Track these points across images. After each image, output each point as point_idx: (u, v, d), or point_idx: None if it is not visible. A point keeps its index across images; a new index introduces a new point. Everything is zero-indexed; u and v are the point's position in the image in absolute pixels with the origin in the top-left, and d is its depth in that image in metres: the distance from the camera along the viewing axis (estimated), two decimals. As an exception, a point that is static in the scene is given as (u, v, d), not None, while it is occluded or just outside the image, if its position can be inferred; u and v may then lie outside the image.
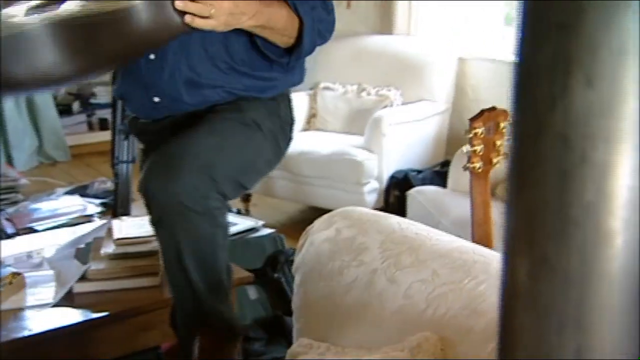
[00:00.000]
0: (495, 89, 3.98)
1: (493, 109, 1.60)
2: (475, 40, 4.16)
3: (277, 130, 1.70)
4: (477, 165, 1.61)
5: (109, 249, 2.19)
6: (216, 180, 1.48)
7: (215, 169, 1.49)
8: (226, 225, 1.58)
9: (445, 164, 4.03)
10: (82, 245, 2.38)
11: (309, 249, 1.68)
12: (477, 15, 4.31)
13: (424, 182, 3.66)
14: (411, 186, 3.57)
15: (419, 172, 3.85)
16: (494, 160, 1.62)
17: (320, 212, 3.88)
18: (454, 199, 2.99)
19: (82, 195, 3.64)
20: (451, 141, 4.21)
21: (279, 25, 1.51)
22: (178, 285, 1.61)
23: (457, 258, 1.43)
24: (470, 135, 1.59)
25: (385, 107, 3.98)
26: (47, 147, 4.59)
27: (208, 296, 1.60)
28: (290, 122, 1.77)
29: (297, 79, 1.72)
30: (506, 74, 4.04)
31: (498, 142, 1.60)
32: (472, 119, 1.59)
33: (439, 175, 3.80)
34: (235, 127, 1.54)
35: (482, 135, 1.59)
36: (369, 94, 4.12)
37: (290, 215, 4.11)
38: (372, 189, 3.71)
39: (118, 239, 2.20)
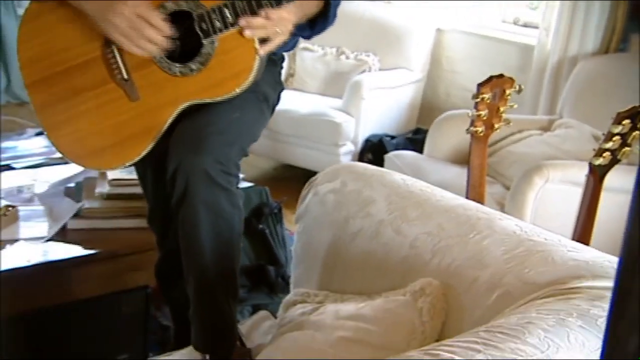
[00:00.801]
0: (470, 61, 4.09)
1: (501, 76, 1.68)
2: (453, 12, 4.22)
3: (275, 98, 1.75)
4: (480, 129, 1.69)
5: (103, 188, 2.21)
6: (236, 154, 1.53)
7: (236, 144, 1.54)
8: (242, 210, 1.60)
9: (417, 131, 4.14)
10: (72, 184, 2.39)
11: (313, 200, 1.71)
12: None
13: (396, 148, 3.75)
14: (384, 151, 3.66)
15: (392, 137, 3.94)
16: (495, 126, 1.70)
17: (292, 170, 3.99)
18: (430, 164, 3.09)
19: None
20: (423, 110, 4.31)
21: (312, 11, 1.57)
22: (193, 274, 1.57)
23: (461, 214, 1.48)
24: (477, 99, 1.67)
25: (364, 71, 4.04)
26: (16, 87, 4.47)
27: (221, 291, 1.59)
28: (282, 87, 1.82)
29: (296, 41, 1.76)
30: (481, 47, 4.12)
31: (501, 108, 1.68)
32: (480, 84, 1.67)
33: (411, 142, 3.91)
34: (251, 101, 1.57)
35: (487, 101, 1.66)
36: (347, 57, 4.16)
37: (263, 171, 4.15)
38: (348, 150, 3.78)
39: (112, 179, 2.22)
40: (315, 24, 1.60)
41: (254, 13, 1.41)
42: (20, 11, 4.45)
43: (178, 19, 1.47)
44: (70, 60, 1.55)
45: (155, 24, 1.43)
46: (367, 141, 3.85)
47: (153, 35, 1.43)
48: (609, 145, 1.50)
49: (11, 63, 4.39)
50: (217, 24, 1.43)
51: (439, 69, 4.28)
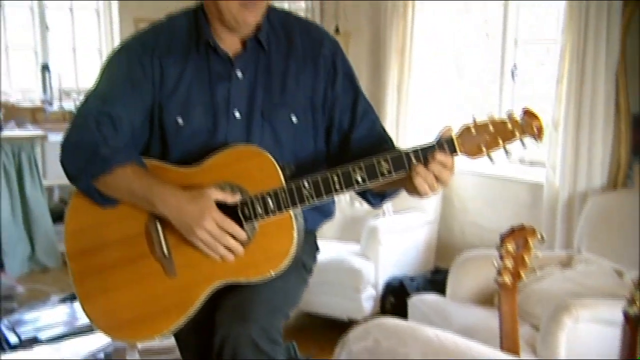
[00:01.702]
0: (481, 200, 4.19)
1: (522, 227, 1.74)
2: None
3: (313, 265, 1.82)
4: (507, 279, 1.73)
5: (133, 357, 2.22)
6: (280, 321, 1.59)
7: (280, 312, 1.60)
8: None
9: (436, 271, 4.17)
10: (102, 356, 2.40)
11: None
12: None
13: (417, 289, 3.76)
14: (406, 293, 3.67)
15: (412, 279, 3.96)
16: (522, 275, 1.74)
17: (314, 318, 3.96)
18: (455, 307, 3.09)
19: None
20: (440, 249, 4.36)
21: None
22: None
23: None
24: (502, 251, 1.72)
25: (377, 216, 4.13)
26: (39, 254, 4.58)
27: None
28: (319, 250, 1.89)
29: (334, 209, 1.85)
30: (490, 187, 4.22)
31: (527, 258, 1.73)
32: (503, 236, 1.73)
33: (431, 283, 3.92)
34: (292, 270, 1.60)
35: (512, 252, 1.72)
36: (361, 204, 4.27)
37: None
38: (369, 295, 3.79)
39: (143, 349, 2.23)
40: (388, 195, 1.69)
41: (294, 204, 1.50)
42: (46, 182, 4.65)
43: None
44: (113, 233, 1.63)
45: (234, 233, 1.51)
46: (388, 285, 3.87)
47: (233, 245, 1.52)
48: (640, 292, 1.52)
49: (35, 232, 4.53)
50: (259, 211, 1.51)
51: (451, 208, 4.38)
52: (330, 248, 4.00)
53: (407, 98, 4.42)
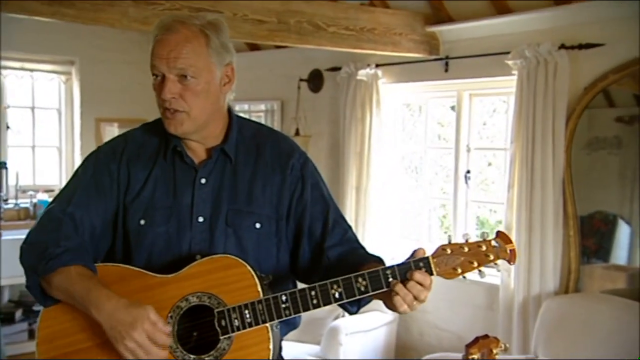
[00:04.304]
0: (439, 301, 4.25)
1: (486, 336, 1.80)
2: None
3: None
4: (473, 388, 1.77)
5: None
6: None
7: None
8: None
9: (396, 373, 4.17)
10: None
11: None
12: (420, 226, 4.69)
13: (378, 393, 3.75)
14: (366, 397, 3.66)
15: (372, 382, 3.95)
16: (487, 384, 1.79)
17: None
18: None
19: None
20: (399, 349, 4.38)
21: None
22: None
23: None
24: (467, 361, 1.77)
25: (337, 317, 4.15)
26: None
27: None
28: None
29: (299, 320, 1.86)
30: (448, 287, 4.31)
31: (490, 367, 1.78)
32: (468, 346, 1.78)
33: (392, 386, 3.92)
34: None
35: (476, 361, 1.77)
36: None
37: None
38: (330, 400, 3.75)
39: None
40: (364, 302, 1.68)
41: (271, 318, 1.53)
42: None
43: (199, 311, 1.57)
44: (84, 341, 1.61)
45: (163, 345, 1.51)
46: (348, 388, 3.85)
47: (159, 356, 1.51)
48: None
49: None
50: (236, 323, 1.53)
51: (409, 308, 4.42)
52: (291, 349, 3.97)
53: (366, 199, 4.55)
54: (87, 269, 1.60)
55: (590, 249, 3.52)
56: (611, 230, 3.49)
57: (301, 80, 5.05)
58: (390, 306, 1.52)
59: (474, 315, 4.04)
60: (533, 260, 3.53)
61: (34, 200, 5.21)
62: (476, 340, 1.79)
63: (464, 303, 4.11)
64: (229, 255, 1.59)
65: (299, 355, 3.87)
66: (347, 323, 4.01)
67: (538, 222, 3.52)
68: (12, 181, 5.18)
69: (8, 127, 5.37)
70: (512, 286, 3.65)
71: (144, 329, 1.48)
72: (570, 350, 3.01)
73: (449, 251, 1.50)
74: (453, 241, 1.52)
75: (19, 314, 4.93)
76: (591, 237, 3.52)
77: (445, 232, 4.42)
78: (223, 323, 1.53)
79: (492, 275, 3.93)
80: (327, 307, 3.95)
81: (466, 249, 1.51)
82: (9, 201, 5.16)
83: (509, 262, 1.53)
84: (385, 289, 1.50)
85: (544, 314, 3.31)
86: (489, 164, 4.77)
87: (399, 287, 1.48)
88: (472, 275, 4.16)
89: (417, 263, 1.50)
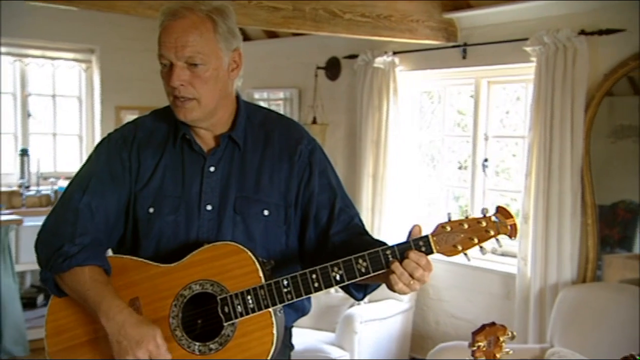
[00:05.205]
0: (455, 290, 4.24)
1: (493, 324, 1.78)
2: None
3: None
4: (480, 376, 1.75)
5: None
6: None
7: None
8: None
9: (412, 361, 4.17)
10: None
11: None
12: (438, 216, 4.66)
13: (393, 381, 3.75)
14: (381, 384, 3.65)
15: (388, 370, 3.95)
16: (495, 371, 1.77)
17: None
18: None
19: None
20: (415, 338, 4.37)
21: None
22: None
23: None
24: (474, 348, 1.75)
25: (352, 305, 4.14)
26: (7, 343, 4.46)
27: None
28: (292, 348, 1.89)
29: (309, 306, 1.86)
30: (464, 276, 4.27)
31: (498, 355, 1.76)
32: (475, 333, 1.76)
33: (407, 374, 3.91)
34: None
35: (484, 349, 1.75)
36: (337, 290, 4.29)
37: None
38: (345, 387, 3.76)
39: None
40: (370, 288, 1.70)
41: (274, 302, 1.53)
42: (19, 267, 4.60)
43: (202, 299, 1.58)
44: (92, 333, 1.63)
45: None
46: (363, 375, 3.85)
47: None
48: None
49: (4, 320, 4.43)
50: (239, 309, 1.54)
51: (426, 298, 4.41)
52: (305, 336, 3.98)
53: (382, 187, 4.53)
54: (101, 270, 1.63)
55: (613, 239, 3.46)
56: (635, 219, 3.42)
57: (318, 68, 5.03)
58: (389, 286, 1.52)
59: (491, 304, 4.01)
60: (550, 249, 3.48)
61: (55, 187, 5.28)
62: (482, 327, 1.76)
63: (480, 292, 4.09)
64: (230, 242, 1.60)
65: (314, 343, 3.88)
66: (362, 311, 4.01)
67: (555, 211, 3.48)
68: (33, 168, 5.25)
69: (30, 115, 5.45)
70: (529, 275, 3.61)
71: (149, 350, 1.52)
72: (586, 340, 2.97)
73: (448, 229, 1.49)
74: (453, 219, 1.50)
75: (40, 298, 5.01)
76: (615, 226, 3.46)
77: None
78: (226, 310, 1.54)
79: (509, 264, 3.91)
80: (342, 295, 3.94)
81: (466, 226, 1.49)
82: (31, 188, 5.23)
83: (509, 237, 1.50)
84: (386, 270, 1.49)
85: (561, 303, 3.27)
86: (514, 155, 4.70)
87: (395, 266, 1.48)
88: (488, 264, 4.12)
89: (416, 242, 1.50)
